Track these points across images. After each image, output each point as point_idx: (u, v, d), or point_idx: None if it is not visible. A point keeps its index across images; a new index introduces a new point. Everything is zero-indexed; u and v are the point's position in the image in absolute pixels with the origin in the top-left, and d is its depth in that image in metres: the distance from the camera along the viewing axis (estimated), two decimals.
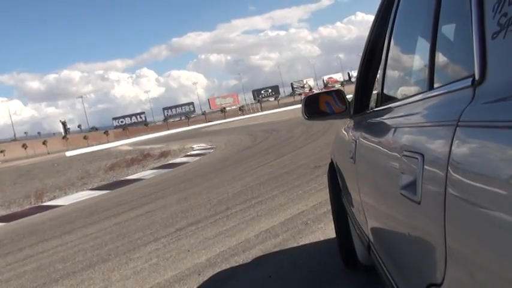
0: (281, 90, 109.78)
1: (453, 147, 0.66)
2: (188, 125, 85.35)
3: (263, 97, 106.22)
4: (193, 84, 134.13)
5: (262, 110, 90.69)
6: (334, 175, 2.50)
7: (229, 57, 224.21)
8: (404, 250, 1.01)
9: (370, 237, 1.53)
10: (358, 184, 1.63)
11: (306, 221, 3.88)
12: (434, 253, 0.72)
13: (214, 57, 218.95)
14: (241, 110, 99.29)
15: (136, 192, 8.25)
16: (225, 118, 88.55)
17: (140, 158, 16.77)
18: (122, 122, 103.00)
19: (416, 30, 1.20)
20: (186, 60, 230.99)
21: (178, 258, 3.59)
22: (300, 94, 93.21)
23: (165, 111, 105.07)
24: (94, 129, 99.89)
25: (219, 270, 3.14)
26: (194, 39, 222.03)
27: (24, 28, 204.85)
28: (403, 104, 1.19)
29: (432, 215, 0.72)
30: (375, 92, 1.86)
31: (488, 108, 0.63)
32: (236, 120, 69.38)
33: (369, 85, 1.97)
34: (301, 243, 3.36)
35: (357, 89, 1.99)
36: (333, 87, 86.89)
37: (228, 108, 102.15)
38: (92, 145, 66.11)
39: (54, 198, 9.86)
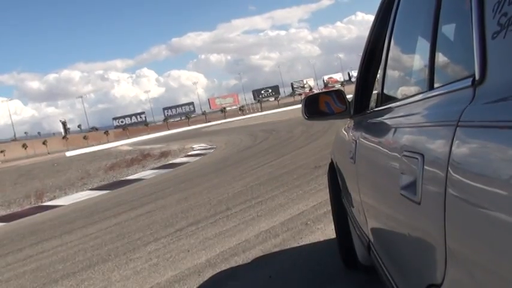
0: (281, 90, 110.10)
1: (453, 148, 0.66)
2: (188, 125, 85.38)
3: (263, 97, 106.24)
4: (193, 84, 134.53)
5: (262, 110, 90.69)
6: (334, 175, 2.50)
7: (229, 57, 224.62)
8: (404, 250, 1.01)
9: (370, 237, 1.53)
10: (358, 184, 1.63)
11: (306, 221, 3.88)
12: (434, 253, 0.72)
13: (214, 57, 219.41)
14: (241, 110, 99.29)
15: (136, 192, 8.25)
16: (225, 118, 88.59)
17: (140, 158, 16.78)
18: (122, 122, 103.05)
19: (416, 30, 1.20)
20: (186, 60, 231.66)
21: (178, 259, 3.59)
22: (300, 94, 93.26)
23: (165, 111, 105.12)
24: (94, 129, 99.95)
25: (219, 270, 3.14)
26: (194, 39, 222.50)
27: (24, 28, 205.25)
28: (403, 104, 1.19)
29: (432, 215, 0.72)
30: (375, 92, 1.85)
31: (489, 108, 0.63)
32: (236, 120, 69.39)
33: (369, 85, 1.97)
34: (301, 243, 3.36)
35: (357, 89, 1.99)
36: (333, 87, 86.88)
37: (228, 108, 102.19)
38: (92, 145, 66.07)
39: (54, 198, 9.86)
